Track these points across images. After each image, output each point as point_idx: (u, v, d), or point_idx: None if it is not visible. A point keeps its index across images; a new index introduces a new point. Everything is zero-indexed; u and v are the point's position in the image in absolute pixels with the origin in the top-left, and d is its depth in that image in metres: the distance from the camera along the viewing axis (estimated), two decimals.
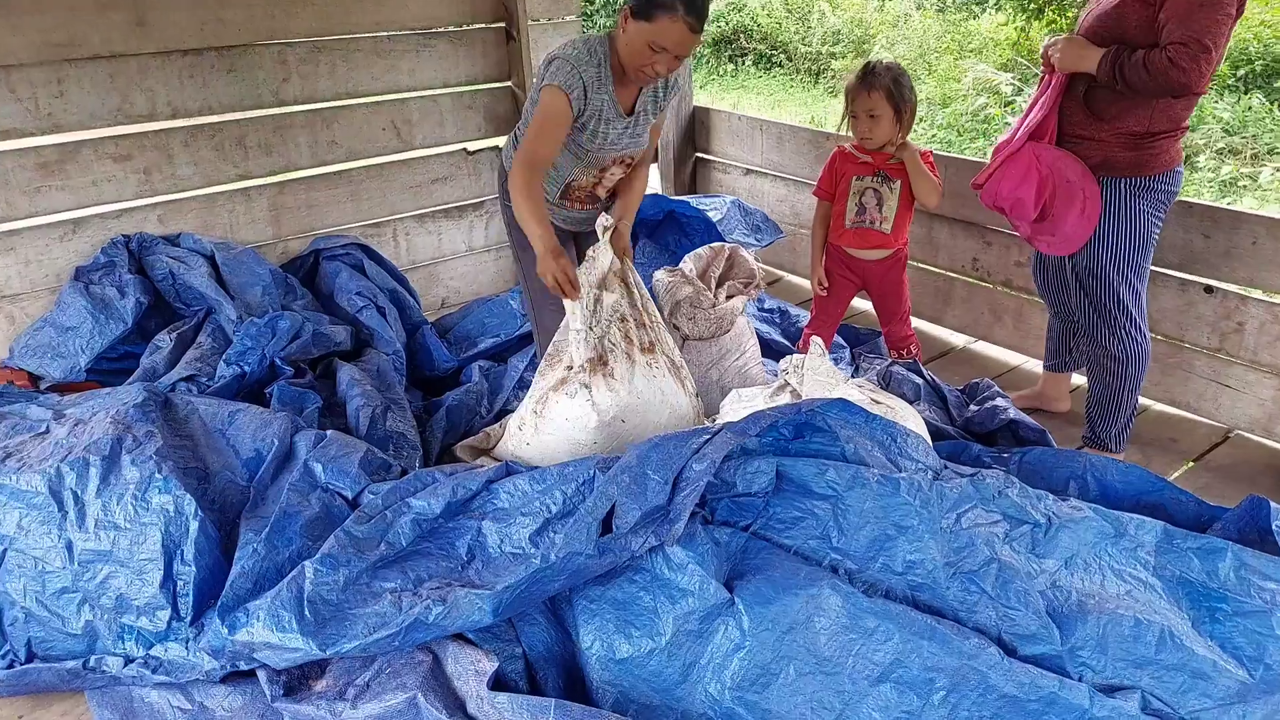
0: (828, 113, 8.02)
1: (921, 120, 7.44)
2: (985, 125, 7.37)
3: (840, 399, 1.80)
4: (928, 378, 2.68)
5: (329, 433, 2.09)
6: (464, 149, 3.74)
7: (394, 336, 2.97)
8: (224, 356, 2.61)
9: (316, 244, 3.34)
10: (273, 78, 3.28)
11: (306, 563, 1.65)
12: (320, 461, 1.96)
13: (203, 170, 3.23)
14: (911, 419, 2.01)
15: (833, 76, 8.93)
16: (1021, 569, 1.62)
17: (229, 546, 1.86)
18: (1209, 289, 2.67)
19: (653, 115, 2.35)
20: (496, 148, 3.82)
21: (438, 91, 3.62)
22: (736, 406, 2.11)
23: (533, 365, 3.03)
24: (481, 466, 1.92)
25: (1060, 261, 2.60)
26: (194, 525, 1.81)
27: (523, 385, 2.97)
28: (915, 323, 3.03)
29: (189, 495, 1.84)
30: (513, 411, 2.83)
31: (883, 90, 2.54)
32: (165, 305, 2.99)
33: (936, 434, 2.41)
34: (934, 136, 7.25)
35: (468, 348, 3.15)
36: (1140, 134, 2.23)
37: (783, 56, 9.51)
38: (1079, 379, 2.93)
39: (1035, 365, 3.19)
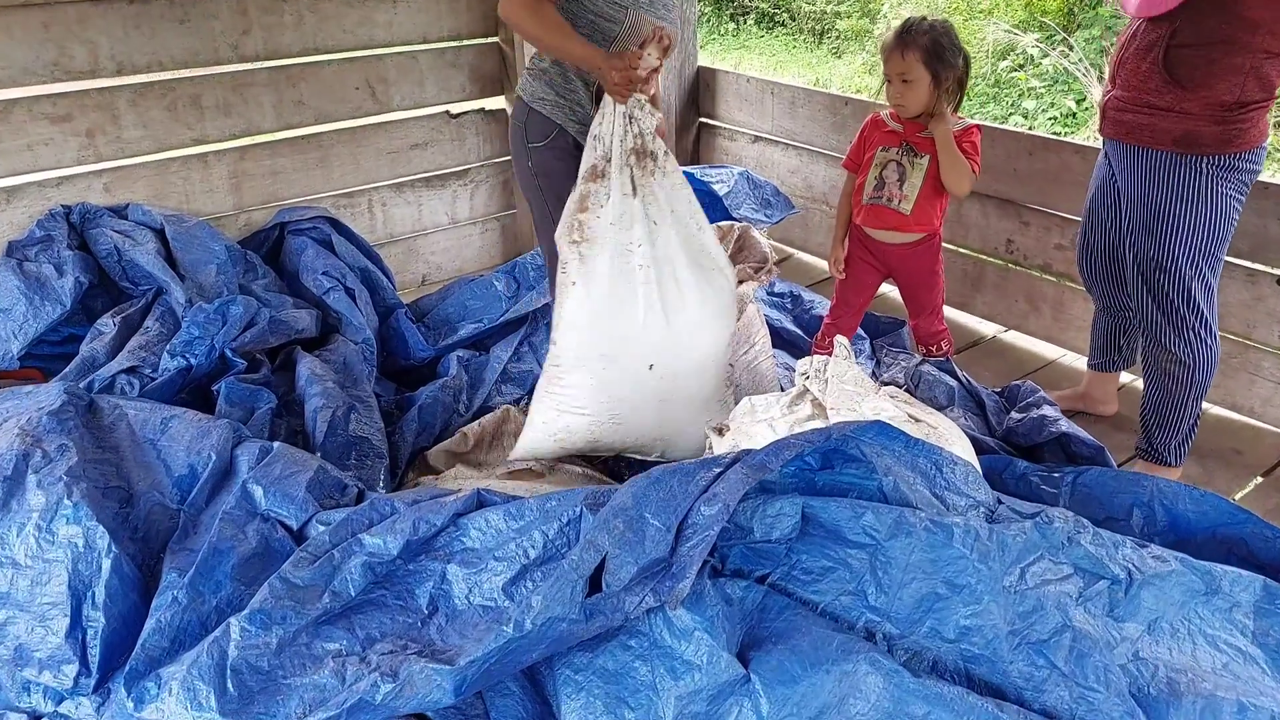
0: (832, 75, 7.63)
1: None
2: (997, 90, 7.00)
3: (877, 422, 1.51)
4: (962, 379, 2.38)
5: (275, 446, 1.79)
6: (446, 111, 3.40)
7: (364, 322, 2.66)
8: (168, 347, 2.30)
9: (281, 216, 3.01)
10: (231, 29, 2.93)
11: (233, 619, 1.37)
12: (261, 483, 1.67)
13: (153, 133, 2.90)
14: (958, 442, 1.72)
15: (837, 37, 8.52)
16: (1099, 638, 1.34)
17: (152, 586, 1.57)
18: None
19: None
20: (483, 110, 3.48)
21: (417, 47, 3.28)
22: (748, 421, 1.82)
23: (517, 356, 2.74)
24: (452, 495, 1.63)
25: (1115, 249, 2.29)
26: (106, 564, 1.52)
27: (505, 378, 2.67)
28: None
29: (101, 527, 1.54)
30: (493, 408, 2.55)
31: (919, 51, 2.20)
32: (112, 283, 2.68)
33: (974, 446, 2.12)
34: None
35: (447, 334, 2.84)
36: (1230, 103, 1.90)
37: (786, 15, 9.08)
38: (1126, 375, 2.65)
39: (1075, 360, 2.89)
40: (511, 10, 1.94)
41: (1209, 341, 2.12)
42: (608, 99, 1.96)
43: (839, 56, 8.25)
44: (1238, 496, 2.29)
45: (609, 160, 1.96)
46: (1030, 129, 6.43)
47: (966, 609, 1.34)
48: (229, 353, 2.34)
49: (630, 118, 1.94)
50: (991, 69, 7.08)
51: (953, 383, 2.35)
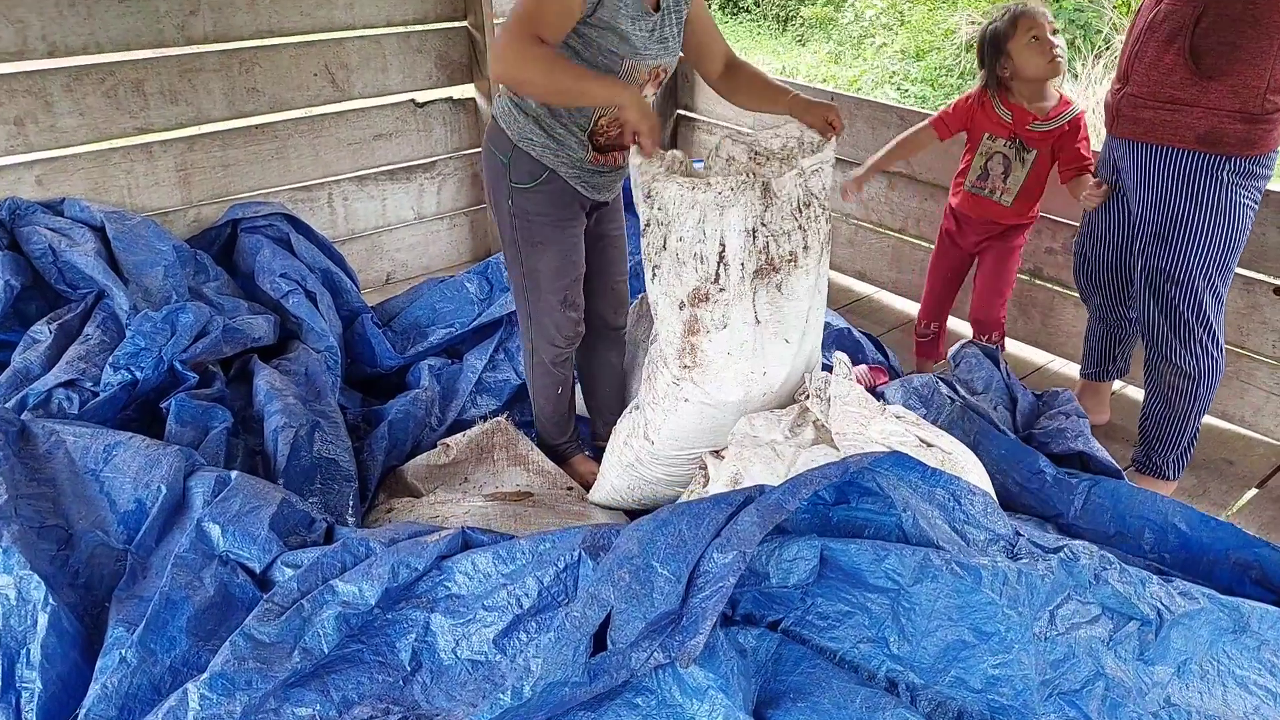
0: (798, 63, 7.54)
1: (894, 75, 7.02)
2: (962, 81, 6.97)
3: (894, 453, 1.41)
4: (1004, 371, 2.25)
5: (233, 476, 1.63)
6: (412, 100, 3.22)
7: (326, 329, 2.49)
8: (110, 359, 2.11)
9: (233, 212, 2.82)
10: (177, 10, 2.72)
11: (190, 686, 1.22)
12: (219, 521, 1.51)
13: (91, 121, 2.68)
14: (973, 469, 1.63)
15: (801, 24, 8.44)
16: (1131, 685, 1.26)
17: (95, 641, 1.41)
18: None
19: (676, 11, 1.87)
20: (450, 99, 3.31)
21: (380, 31, 3.09)
22: (749, 445, 1.71)
23: (493, 365, 2.59)
24: (435, 532, 1.49)
25: (1119, 259, 2.22)
26: (43, 619, 1.36)
27: (481, 389, 2.53)
28: None
29: (37, 576, 1.38)
30: (469, 421, 2.41)
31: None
32: (47, 286, 2.46)
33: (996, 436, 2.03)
34: (907, 92, 6.83)
35: (416, 339, 2.68)
36: (1259, 89, 1.81)
37: (750, 1, 8.98)
38: (1118, 382, 2.59)
39: (1063, 365, 2.84)
40: (509, 66, 1.64)
41: (1215, 354, 2.06)
42: (694, 210, 1.71)
43: (803, 44, 8.17)
44: (1233, 509, 2.25)
45: (718, 284, 1.72)
46: None
47: (995, 657, 1.26)
48: (179, 365, 2.15)
49: (753, 233, 1.71)
50: (956, 60, 7.05)
51: (994, 372, 2.24)
